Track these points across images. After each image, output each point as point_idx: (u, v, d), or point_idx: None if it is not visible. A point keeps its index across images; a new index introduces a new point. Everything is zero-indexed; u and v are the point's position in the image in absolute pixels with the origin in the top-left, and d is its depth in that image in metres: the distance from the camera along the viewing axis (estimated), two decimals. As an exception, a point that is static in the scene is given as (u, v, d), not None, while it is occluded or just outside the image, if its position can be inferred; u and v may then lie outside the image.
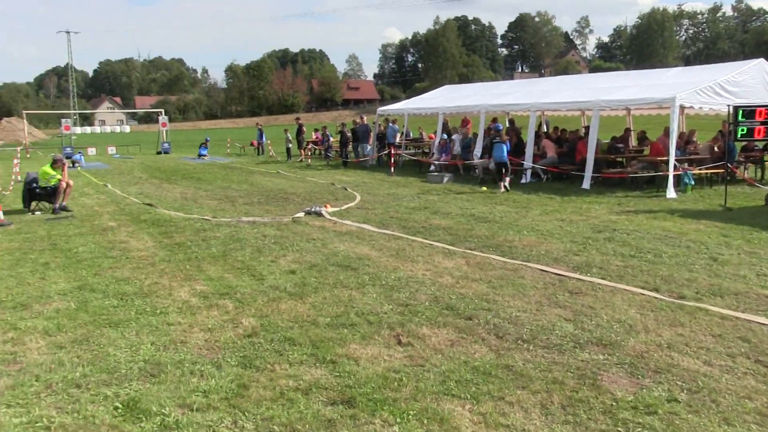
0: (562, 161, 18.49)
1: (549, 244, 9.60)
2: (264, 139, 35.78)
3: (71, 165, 27.27)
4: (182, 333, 5.99)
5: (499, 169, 16.73)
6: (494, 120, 21.05)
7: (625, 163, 18.73)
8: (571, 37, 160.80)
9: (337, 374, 4.99)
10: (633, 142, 21.17)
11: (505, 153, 16.57)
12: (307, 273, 8.10)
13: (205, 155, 33.26)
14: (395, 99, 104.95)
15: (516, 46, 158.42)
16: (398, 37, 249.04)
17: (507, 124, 21.76)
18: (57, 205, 14.20)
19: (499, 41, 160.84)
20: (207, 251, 9.56)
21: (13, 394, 4.81)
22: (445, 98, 25.07)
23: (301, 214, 12.78)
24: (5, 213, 13.39)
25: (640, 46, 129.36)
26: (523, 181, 18.22)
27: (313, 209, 13.03)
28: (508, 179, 16.63)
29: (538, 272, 7.98)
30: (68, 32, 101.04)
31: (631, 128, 21.92)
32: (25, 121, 48.80)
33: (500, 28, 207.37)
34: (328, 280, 7.73)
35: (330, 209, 13.27)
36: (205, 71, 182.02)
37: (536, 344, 5.55)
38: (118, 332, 6.03)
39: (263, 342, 5.70)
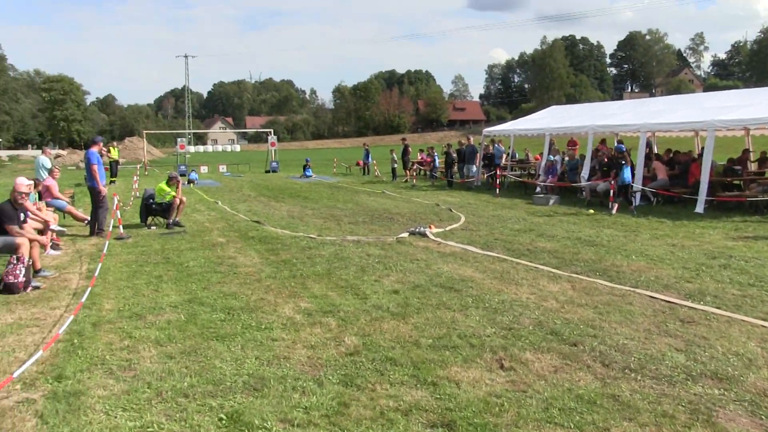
0: (674, 184, 17.76)
1: (659, 270, 9.20)
2: (370, 159, 36.28)
3: (186, 183, 28.52)
4: (286, 349, 6.10)
5: (623, 191, 16.39)
6: (612, 141, 20.48)
7: (743, 186, 17.79)
8: (685, 54, 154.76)
9: (438, 396, 4.94)
10: (752, 164, 20.12)
11: (630, 174, 16.27)
12: (410, 293, 8.09)
13: (310, 175, 33.99)
14: (501, 120, 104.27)
15: (625, 65, 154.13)
16: (505, 58, 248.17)
17: (615, 145, 21.15)
18: (171, 221, 14.85)
19: (608, 60, 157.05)
20: (312, 269, 9.73)
21: (128, 399, 5.03)
22: (552, 119, 24.64)
23: (406, 235, 12.81)
24: (125, 227, 14.13)
25: (761, 63, 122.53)
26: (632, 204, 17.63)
27: (417, 230, 13.04)
28: (616, 205, 16.15)
29: (647, 299, 7.66)
30: (186, 56, 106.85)
31: (751, 149, 20.83)
32: (144, 140, 51.56)
33: (609, 47, 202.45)
34: (431, 301, 7.69)
35: (434, 230, 13.24)
36: (313, 92, 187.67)
37: (644, 374, 5.31)
38: (224, 345, 6.21)
39: (365, 361, 5.71)
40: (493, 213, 16.49)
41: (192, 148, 51.31)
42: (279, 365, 5.67)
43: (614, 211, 15.70)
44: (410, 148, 31.14)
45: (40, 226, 11.17)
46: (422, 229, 13.03)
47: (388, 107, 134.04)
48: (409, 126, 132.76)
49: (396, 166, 31.00)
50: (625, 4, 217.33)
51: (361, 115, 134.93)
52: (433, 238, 12.39)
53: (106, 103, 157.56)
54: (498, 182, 22.06)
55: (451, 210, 17.24)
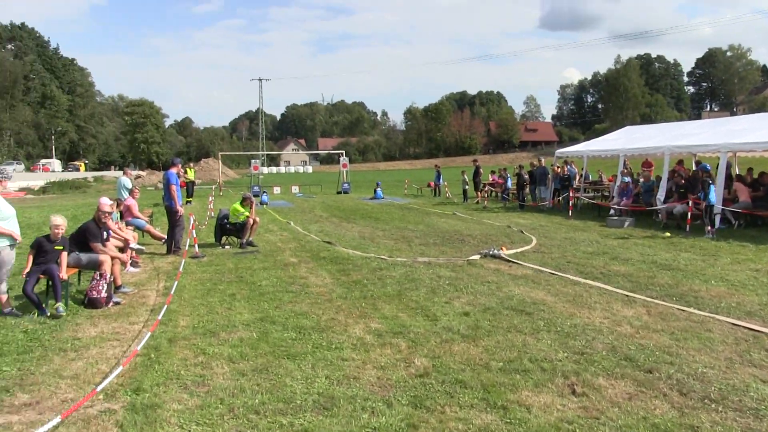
0: (758, 206, 17.07)
1: (741, 296, 8.86)
2: (441, 180, 36.27)
3: (258, 203, 29.08)
4: (356, 369, 6.14)
5: (708, 212, 15.97)
6: (690, 163, 19.90)
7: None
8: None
9: (508, 421, 4.88)
10: None
11: (715, 195, 15.88)
12: (480, 316, 8.04)
13: (381, 197, 34.15)
14: (573, 141, 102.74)
15: (704, 83, 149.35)
16: (577, 78, 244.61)
17: (693, 167, 20.55)
18: (244, 240, 15.17)
19: (686, 79, 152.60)
20: (382, 290, 9.77)
21: (201, 413, 5.16)
22: (627, 139, 24.09)
23: (477, 257, 12.73)
24: (200, 246, 14.52)
25: None
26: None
27: (488, 252, 12.94)
28: (709, 227, 15.62)
29: (729, 326, 7.38)
30: (260, 80, 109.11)
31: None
32: (219, 161, 52.60)
33: (687, 65, 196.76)
34: (502, 324, 7.62)
35: (506, 252, 13.12)
36: (384, 114, 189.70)
37: (726, 405, 5.11)
38: (295, 364, 6.29)
39: (434, 383, 5.70)
40: (565, 235, 16.23)
41: (265, 170, 52.33)
42: (349, 385, 5.71)
43: (710, 235, 15.15)
44: (481, 170, 31.02)
45: (120, 244, 11.59)
46: (494, 251, 12.93)
47: (459, 128, 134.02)
48: (481, 147, 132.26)
49: (467, 187, 30.91)
50: (703, 20, 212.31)
51: (432, 136, 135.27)
52: (506, 258, 12.28)
53: (184, 126, 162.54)
54: (571, 204, 21.70)
55: (522, 232, 17.06)
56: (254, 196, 23.74)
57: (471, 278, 10.53)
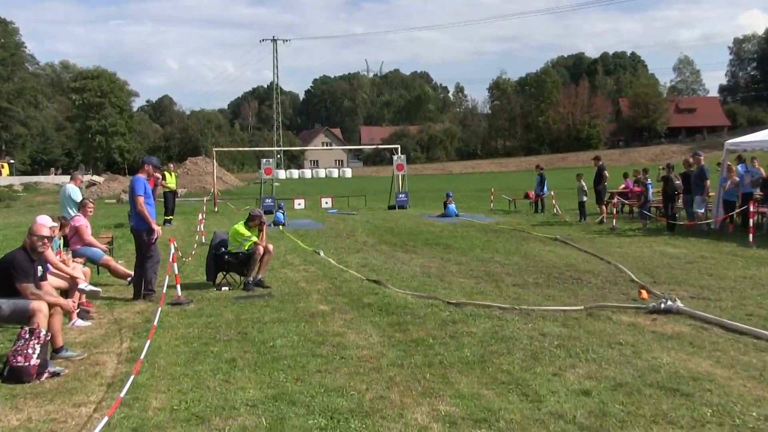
0: None
1: None
2: (545, 189, 36.02)
3: (271, 224, 29.24)
4: (417, 476, 6.07)
5: None
6: None
7: None
8: None
9: None
10: None
11: None
12: (608, 396, 7.92)
13: (454, 213, 34.03)
14: (757, 125, 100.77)
15: None
16: (763, 25, 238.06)
17: None
18: (251, 279, 15.27)
19: None
20: (457, 354, 9.72)
21: None
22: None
23: (600, 304, 12.57)
24: (184, 287, 14.65)
25: None
26: None
27: (660, 305, 12.67)
28: None
29: None
30: (275, 40, 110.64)
31: None
32: (214, 161, 52.23)
33: None
34: (643, 410, 7.49)
35: (646, 297, 12.91)
36: (459, 90, 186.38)
37: None
38: (325, 468, 6.25)
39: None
40: (742, 273, 15.93)
41: (282, 173, 52.92)
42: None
43: None
44: (607, 172, 30.67)
45: (64, 284, 11.70)
46: (626, 297, 12.72)
47: (572, 110, 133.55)
48: (606, 138, 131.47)
49: (585, 198, 30.58)
50: None
51: (531, 122, 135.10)
52: (688, 312, 12.08)
53: (161, 109, 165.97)
54: (752, 224, 21.29)
55: (672, 268, 16.82)
56: (266, 213, 23.91)
57: (592, 337, 10.40)
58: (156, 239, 14.49)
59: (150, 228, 14.28)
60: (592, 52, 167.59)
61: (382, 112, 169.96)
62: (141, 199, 14.20)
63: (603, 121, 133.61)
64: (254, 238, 15.59)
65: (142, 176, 14.49)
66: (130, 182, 14.68)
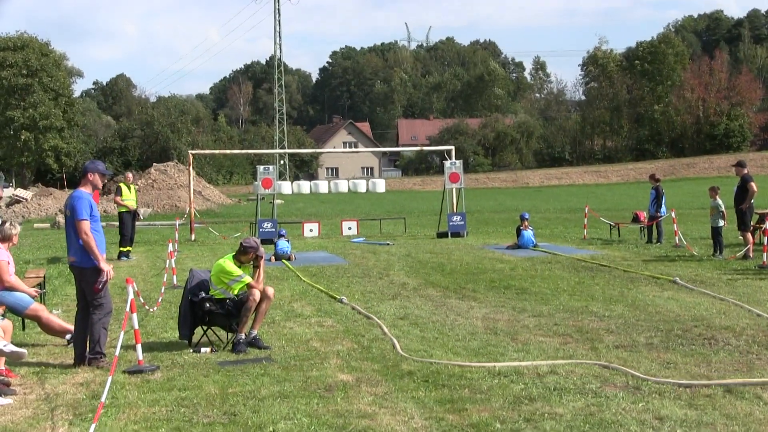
0: None
1: None
2: (663, 209, 35.70)
3: (270, 258, 29.23)
4: None
5: None
6: None
7: None
8: None
9: None
10: None
11: None
12: None
13: (530, 244, 33.83)
14: None
15: None
16: None
17: None
18: (242, 336, 15.25)
19: None
20: (535, 446, 9.65)
21: None
22: None
23: (745, 381, 12.45)
24: (147, 348, 14.65)
25: None
26: None
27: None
28: None
29: None
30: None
31: None
32: (190, 169, 51.62)
33: None
34: None
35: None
36: (538, 67, 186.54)
37: None
38: None
39: None
40: None
41: (287, 186, 52.88)
42: None
43: None
44: (755, 185, 30.44)
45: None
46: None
47: (703, 95, 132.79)
48: (753, 136, 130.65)
49: (723, 223, 30.32)
50: None
51: (643, 113, 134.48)
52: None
53: (115, 94, 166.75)
54: None
55: None
56: (263, 243, 23.92)
57: (734, 425, 10.31)
58: (106, 282, 14.46)
59: (97, 266, 14.25)
60: (735, 11, 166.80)
61: (429, 100, 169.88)
62: (86, 225, 13.98)
63: (749, 110, 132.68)
64: (247, 279, 15.55)
65: (85, 191, 14.35)
66: (69, 200, 14.44)
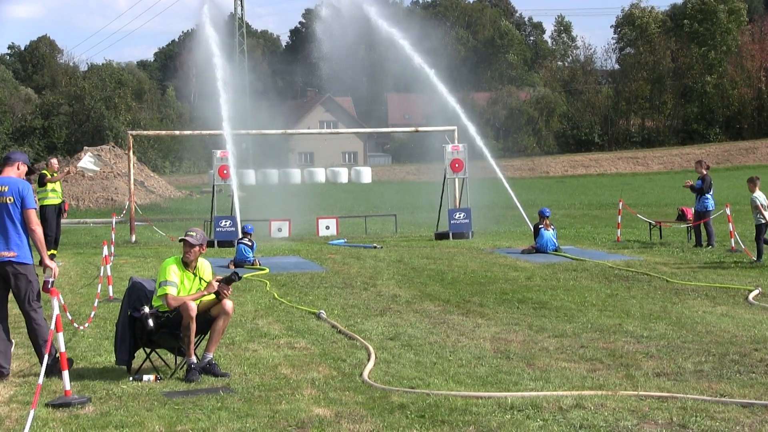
0: None
1: None
2: (711, 202, 35.55)
3: (231, 264, 29.21)
4: None
5: None
6: None
7: None
8: None
9: None
10: None
11: None
12: None
13: (552, 248, 33.78)
14: None
15: None
16: None
17: None
18: (193, 360, 15.21)
19: None
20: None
21: None
22: None
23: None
24: (76, 376, 14.63)
25: None
26: None
27: None
28: None
29: None
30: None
31: None
32: (130, 154, 51.52)
33: None
34: None
35: None
36: (562, 29, 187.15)
37: None
38: None
39: None
40: None
41: (251, 175, 52.88)
42: None
43: None
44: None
45: None
46: None
47: (763, 62, 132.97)
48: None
49: (763, 221, 30.30)
50: None
51: (691, 85, 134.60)
52: None
53: (35, 61, 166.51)
54: None
55: None
56: (219, 245, 23.85)
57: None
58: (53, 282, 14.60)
59: (43, 262, 14.44)
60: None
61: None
62: (35, 215, 14.56)
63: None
64: (168, 289, 15.22)
65: (14, 176, 14.76)
66: (14, 185, 14.72)
